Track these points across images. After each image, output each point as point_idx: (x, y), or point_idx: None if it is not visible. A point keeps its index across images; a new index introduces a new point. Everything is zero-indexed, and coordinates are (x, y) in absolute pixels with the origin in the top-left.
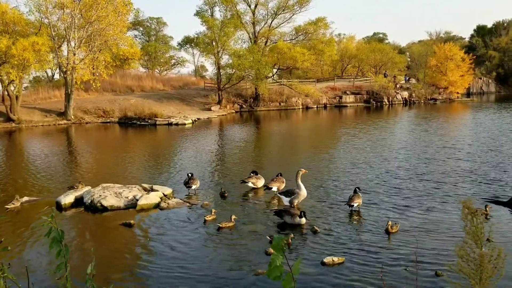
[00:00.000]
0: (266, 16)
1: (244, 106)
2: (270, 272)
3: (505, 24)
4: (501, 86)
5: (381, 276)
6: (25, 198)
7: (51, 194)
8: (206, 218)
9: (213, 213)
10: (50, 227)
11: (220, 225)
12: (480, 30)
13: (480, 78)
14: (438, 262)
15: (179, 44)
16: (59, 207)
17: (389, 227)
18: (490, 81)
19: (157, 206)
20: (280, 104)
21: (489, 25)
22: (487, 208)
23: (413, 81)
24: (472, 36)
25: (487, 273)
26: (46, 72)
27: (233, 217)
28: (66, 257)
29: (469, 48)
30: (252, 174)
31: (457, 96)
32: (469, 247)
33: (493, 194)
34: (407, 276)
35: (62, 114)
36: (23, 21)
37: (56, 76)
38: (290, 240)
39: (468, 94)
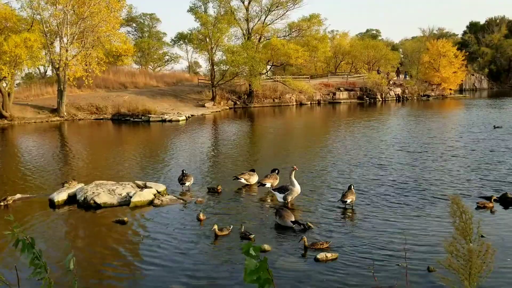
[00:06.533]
0: (260, 13)
1: (238, 102)
2: (246, 277)
3: (498, 21)
4: (493, 82)
5: (372, 273)
6: (18, 196)
7: (44, 191)
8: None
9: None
10: (17, 238)
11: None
12: (473, 27)
13: (473, 75)
14: (431, 257)
15: (172, 40)
16: (52, 204)
17: (305, 241)
18: (482, 77)
19: (150, 203)
20: (274, 100)
21: (482, 22)
22: (492, 200)
23: (401, 77)
24: (464, 33)
25: (476, 269)
26: (38, 68)
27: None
28: (41, 261)
29: (462, 44)
30: (250, 171)
31: (450, 93)
32: (458, 242)
33: (485, 191)
34: (400, 272)
35: (55, 111)
36: (14, 17)
37: (49, 73)
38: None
39: (461, 90)
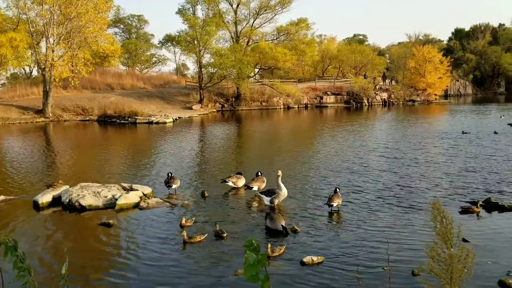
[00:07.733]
0: (248, 16)
1: (225, 105)
2: (245, 271)
3: (482, 28)
4: (477, 88)
5: (356, 277)
6: (1, 197)
7: (28, 193)
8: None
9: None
10: None
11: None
12: (458, 33)
13: (458, 81)
14: (415, 261)
15: (160, 42)
16: (37, 206)
17: (269, 250)
18: (467, 83)
19: (136, 205)
20: (261, 103)
21: (467, 29)
22: (478, 205)
23: (388, 82)
24: (450, 39)
25: (457, 273)
26: (24, 69)
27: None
28: (26, 263)
29: (447, 50)
30: (237, 174)
31: (435, 98)
32: (440, 247)
33: (468, 196)
34: (384, 275)
35: (40, 112)
36: (0, 17)
37: (34, 73)
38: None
39: (446, 96)
